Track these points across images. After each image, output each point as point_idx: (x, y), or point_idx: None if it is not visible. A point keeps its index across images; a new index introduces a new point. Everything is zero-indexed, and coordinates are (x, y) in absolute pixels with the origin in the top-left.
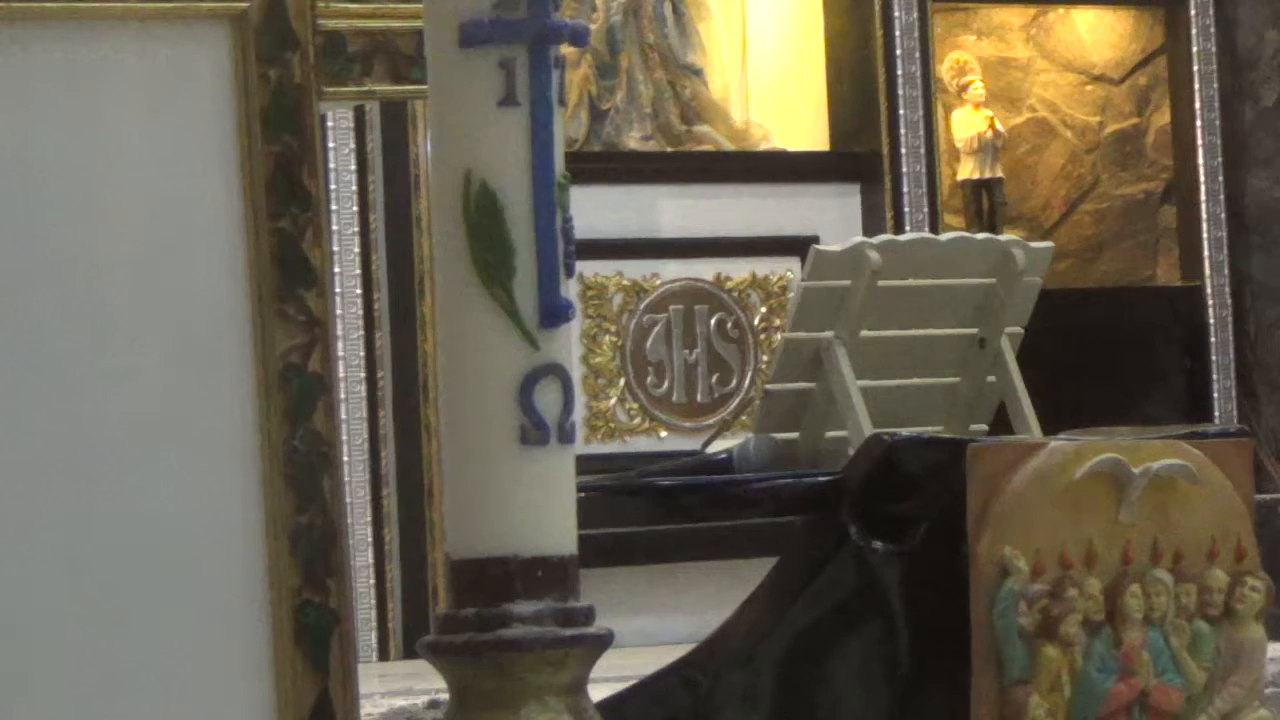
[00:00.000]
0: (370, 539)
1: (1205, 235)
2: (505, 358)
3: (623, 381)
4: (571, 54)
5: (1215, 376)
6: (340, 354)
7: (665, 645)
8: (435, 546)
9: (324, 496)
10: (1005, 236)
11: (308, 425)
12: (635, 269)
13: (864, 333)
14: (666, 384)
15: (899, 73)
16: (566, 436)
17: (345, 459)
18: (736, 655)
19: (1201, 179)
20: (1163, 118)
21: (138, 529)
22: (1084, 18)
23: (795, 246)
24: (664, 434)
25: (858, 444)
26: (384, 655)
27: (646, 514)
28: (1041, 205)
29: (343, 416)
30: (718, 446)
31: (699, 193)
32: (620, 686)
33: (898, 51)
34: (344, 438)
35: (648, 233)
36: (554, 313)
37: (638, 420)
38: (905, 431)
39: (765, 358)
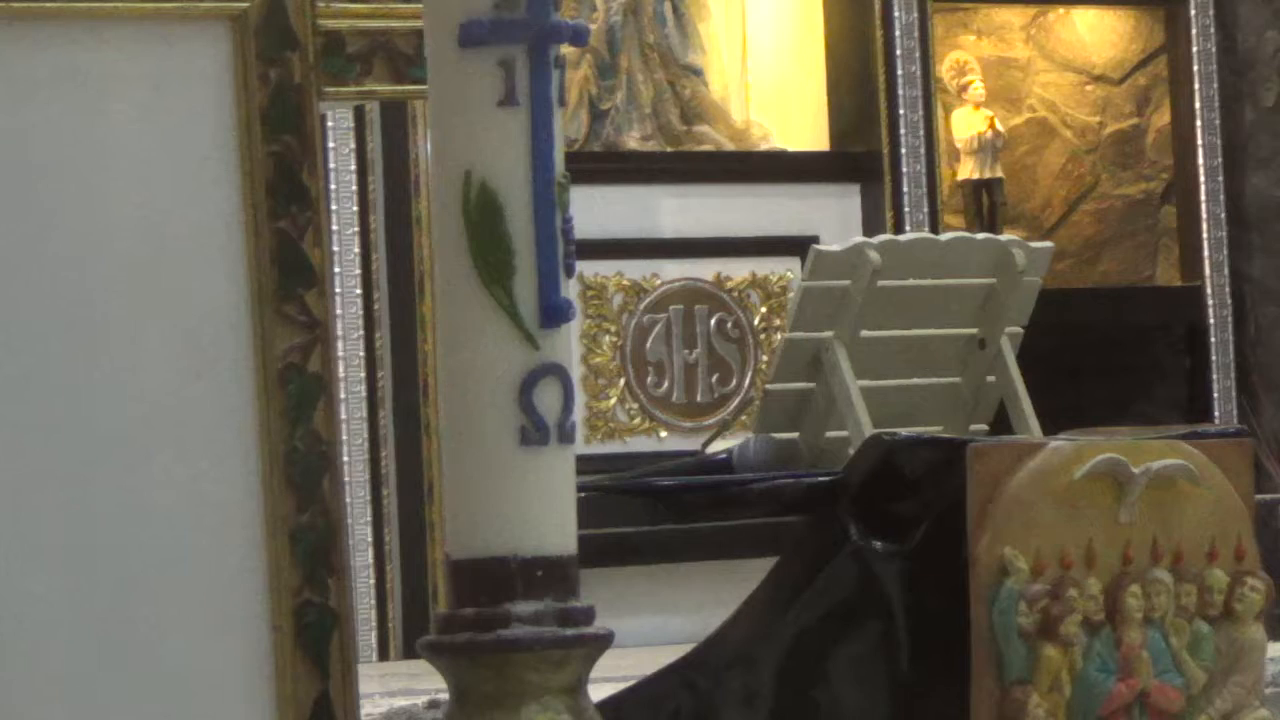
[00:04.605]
0: (370, 539)
1: (1205, 235)
2: (505, 358)
3: (623, 381)
4: (571, 54)
5: (1215, 376)
6: (340, 354)
7: (665, 645)
8: (435, 546)
9: (324, 496)
10: (1005, 236)
11: (308, 425)
12: (635, 269)
13: (864, 333)
14: (666, 384)
15: (899, 73)
16: (566, 436)
17: (345, 459)
18: (736, 655)
19: (1201, 179)
20: (1163, 118)
21: (137, 529)
22: (1084, 18)
23: (795, 246)
24: (664, 434)
25: (858, 444)
26: (384, 655)
27: (646, 514)
28: (1041, 205)
29: (343, 416)
30: (718, 446)
31: (699, 193)
32: (620, 686)
33: (898, 51)
34: (344, 438)
35: (648, 233)
36: (554, 313)
37: (638, 420)
38: (905, 431)
39: (765, 358)
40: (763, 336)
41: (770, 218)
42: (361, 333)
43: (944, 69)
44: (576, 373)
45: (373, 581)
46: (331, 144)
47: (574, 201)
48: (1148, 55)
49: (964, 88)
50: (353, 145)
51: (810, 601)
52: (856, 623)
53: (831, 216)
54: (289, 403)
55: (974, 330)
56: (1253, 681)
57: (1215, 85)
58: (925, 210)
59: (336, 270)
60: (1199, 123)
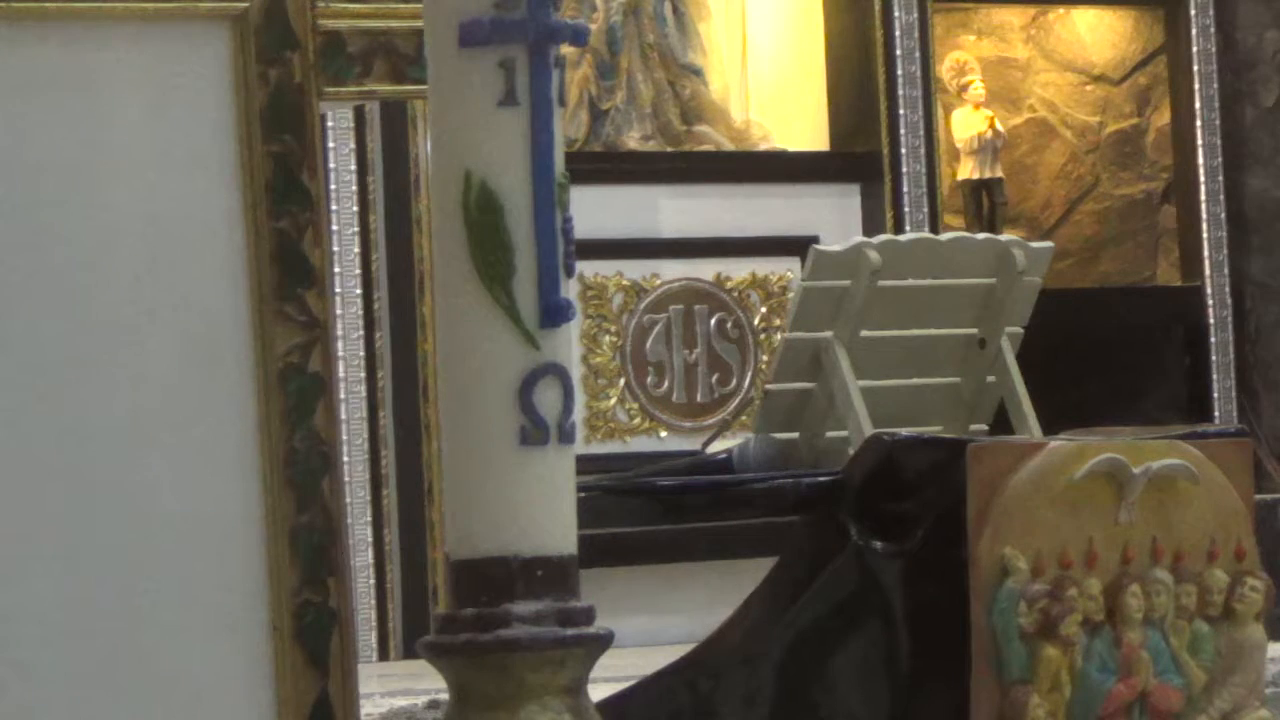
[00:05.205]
0: (370, 539)
1: (1205, 235)
2: (505, 358)
3: (623, 381)
4: (571, 54)
5: (1215, 376)
6: (340, 354)
7: (665, 645)
8: (435, 546)
9: (324, 496)
10: (1005, 236)
11: (308, 425)
12: (635, 269)
13: (864, 333)
14: (666, 384)
15: (899, 73)
16: (566, 436)
17: (345, 459)
18: (736, 655)
19: (1201, 179)
20: (1163, 118)
21: (137, 529)
22: (1084, 18)
23: (795, 246)
24: (664, 434)
25: (858, 444)
26: (384, 655)
27: (646, 514)
28: (1041, 205)
29: (343, 416)
30: (718, 446)
31: (699, 193)
32: (620, 686)
33: (898, 51)
34: (344, 438)
35: (648, 233)
36: (554, 313)
37: (638, 420)
38: (905, 431)
39: (765, 358)
40: (763, 336)
41: (770, 218)
42: (361, 333)
43: (944, 69)
44: (576, 373)
45: (373, 581)
46: (331, 144)
47: (574, 201)
48: (1148, 55)
49: (964, 88)
50: (353, 145)
51: (810, 601)
52: (856, 623)
53: (831, 216)
54: (289, 403)
55: (974, 330)
56: (1253, 681)
57: (1215, 85)
58: (925, 210)
59: (336, 270)
60: (1199, 123)
